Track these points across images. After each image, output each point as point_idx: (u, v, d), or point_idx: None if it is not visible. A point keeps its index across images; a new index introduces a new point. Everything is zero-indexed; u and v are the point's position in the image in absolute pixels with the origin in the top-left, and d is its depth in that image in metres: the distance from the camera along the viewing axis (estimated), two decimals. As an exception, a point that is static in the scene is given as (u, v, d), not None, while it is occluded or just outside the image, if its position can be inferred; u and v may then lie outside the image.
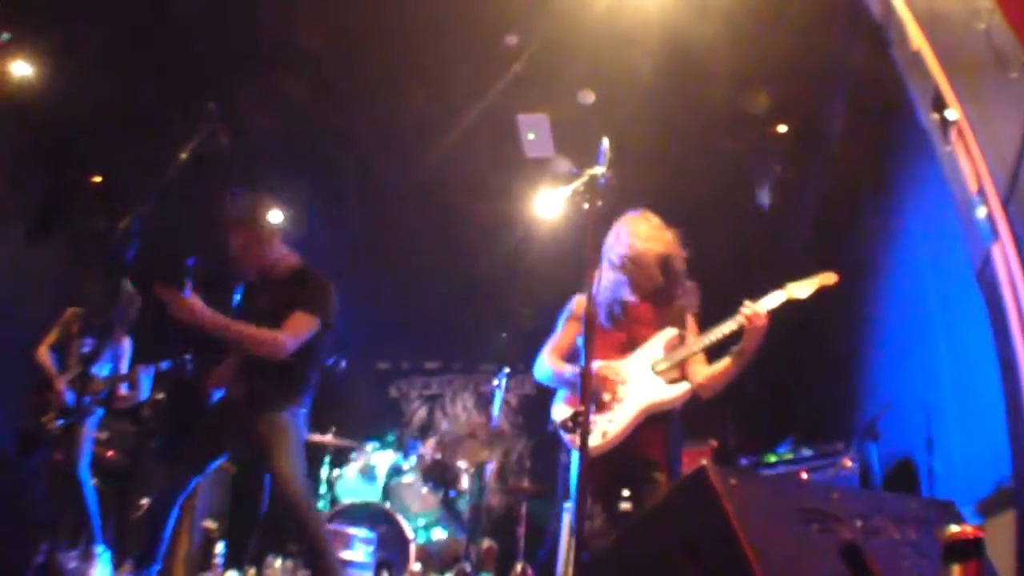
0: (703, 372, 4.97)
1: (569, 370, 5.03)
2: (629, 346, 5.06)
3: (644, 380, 4.94)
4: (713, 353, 4.98)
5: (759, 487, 2.76)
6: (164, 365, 7.40)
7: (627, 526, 4.43)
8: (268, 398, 5.43)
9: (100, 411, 7.57)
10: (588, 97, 8.29)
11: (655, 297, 5.14)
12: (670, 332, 5.06)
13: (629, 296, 5.10)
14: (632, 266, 5.05)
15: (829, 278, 4.88)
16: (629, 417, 4.83)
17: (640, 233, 5.08)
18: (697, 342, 4.90)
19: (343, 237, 10.35)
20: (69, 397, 7.43)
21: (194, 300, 5.10)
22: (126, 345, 7.82)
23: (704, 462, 2.65)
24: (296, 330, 5.43)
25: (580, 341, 5.13)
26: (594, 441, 4.78)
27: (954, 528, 2.31)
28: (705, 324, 4.95)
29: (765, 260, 4.92)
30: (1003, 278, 3.72)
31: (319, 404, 5.82)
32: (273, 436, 5.36)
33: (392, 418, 11.68)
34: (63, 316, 7.92)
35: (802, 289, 4.82)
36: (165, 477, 5.54)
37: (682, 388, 4.88)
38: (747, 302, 4.76)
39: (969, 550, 2.28)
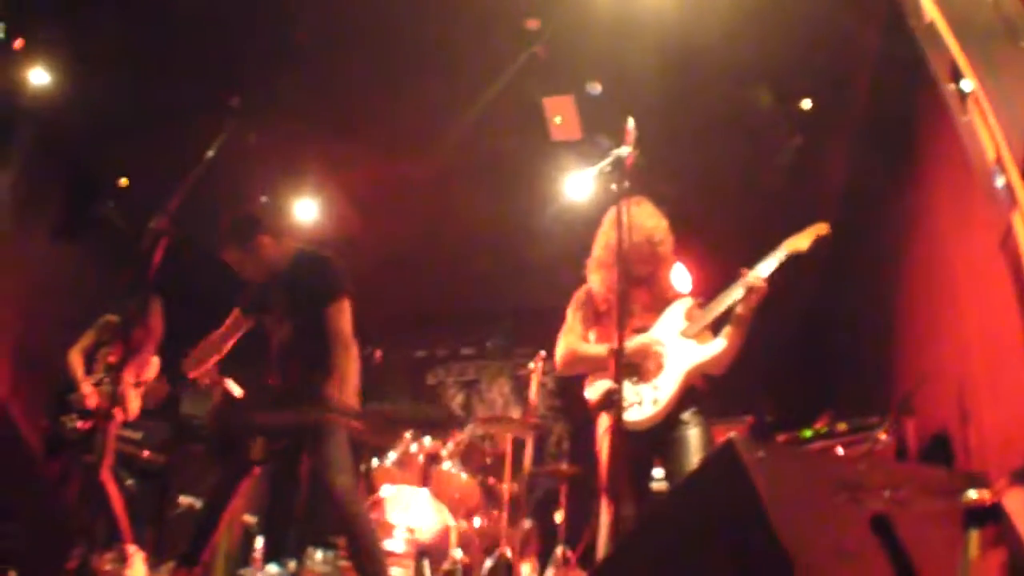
0: None
1: (603, 348, 5.08)
2: (638, 333, 5.15)
3: (679, 345, 5.02)
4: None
5: (787, 460, 2.79)
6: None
7: (656, 504, 4.50)
8: (313, 389, 5.50)
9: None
10: (595, 88, 8.26)
11: (648, 284, 5.26)
12: (687, 302, 5.19)
13: (623, 285, 5.09)
14: (618, 256, 4.98)
15: (822, 228, 4.89)
16: (677, 382, 4.92)
17: (624, 222, 4.93)
18: (716, 306, 4.98)
19: (373, 226, 10.39)
20: (92, 400, 7.56)
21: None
22: (153, 360, 7.96)
23: (733, 435, 2.68)
24: (344, 325, 5.60)
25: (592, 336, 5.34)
26: (646, 413, 4.91)
27: (972, 494, 2.33)
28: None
29: (795, 230, 4.94)
30: (1024, 247, 3.73)
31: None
32: (322, 428, 5.42)
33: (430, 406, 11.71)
34: (98, 322, 8.06)
35: (800, 242, 4.85)
36: (216, 481, 5.61)
37: (721, 344, 4.97)
38: (745, 270, 4.86)
39: (987, 516, 2.30)
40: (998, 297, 4.92)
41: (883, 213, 8.36)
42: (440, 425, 8.14)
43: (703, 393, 5.09)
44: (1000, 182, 3.81)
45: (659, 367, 4.97)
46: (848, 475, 2.76)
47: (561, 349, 5.32)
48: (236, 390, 6.78)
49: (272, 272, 5.80)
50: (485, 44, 8.00)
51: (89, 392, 7.61)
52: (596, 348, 5.16)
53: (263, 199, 8.61)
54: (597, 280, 5.29)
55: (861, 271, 9.36)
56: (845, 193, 8.90)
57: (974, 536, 2.31)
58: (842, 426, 7.23)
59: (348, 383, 5.46)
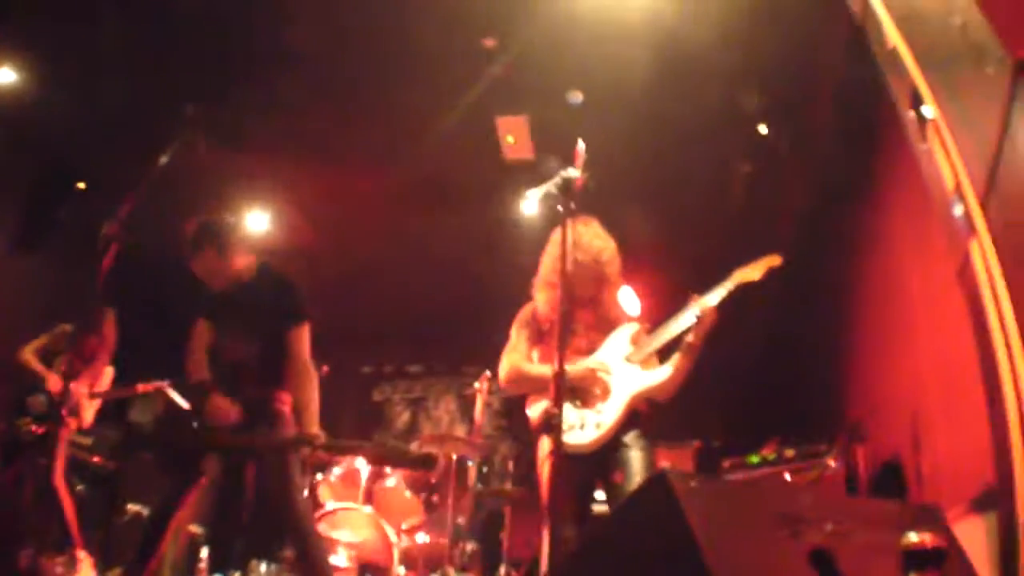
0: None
1: (547, 369, 4.96)
2: (586, 353, 5.09)
3: (624, 370, 4.96)
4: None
5: (723, 490, 2.71)
6: None
7: (591, 531, 4.44)
8: (269, 409, 5.47)
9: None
10: (576, 97, 8.22)
11: (593, 305, 5.20)
12: (633, 326, 5.14)
13: (566, 305, 5.05)
14: (563, 277, 4.92)
15: (774, 259, 4.83)
16: (621, 408, 4.85)
17: (569, 242, 4.83)
18: (663, 334, 4.93)
19: (323, 240, 10.31)
20: (55, 384, 7.52)
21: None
22: (106, 371, 7.89)
23: (666, 466, 2.60)
24: (306, 350, 5.59)
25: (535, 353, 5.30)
26: (589, 436, 4.83)
27: (913, 537, 2.24)
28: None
29: (749, 258, 4.90)
30: (981, 276, 3.66)
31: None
32: (279, 449, 5.36)
33: (375, 422, 11.66)
34: (55, 329, 7.97)
35: (751, 272, 4.80)
36: (164, 490, 5.53)
37: (666, 372, 4.90)
38: (695, 296, 4.80)
39: (929, 560, 2.22)
40: (954, 325, 4.87)
41: (841, 238, 8.36)
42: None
43: (647, 416, 5.02)
44: (958, 210, 3.75)
45: (604, 392, 4.90)
46: (789, 507, 2.68)
47: (504, 367, 5.23)
48: (180, 401, 6.67)
49: (236, 283, 5.70)
50: (448, 60, 7.94)
51: (53, 378, 7.57)
52: (540, 369, 5.08)
53: (227, 214, 8.51)
54: (542, 299, 5.22)
55: (817, 296, 9.36)
56: (802, 218, 8.89)
57: (916, 578, 2.22)
58: (790, 452, 7.18)
59: (309, 408, 5.45)
